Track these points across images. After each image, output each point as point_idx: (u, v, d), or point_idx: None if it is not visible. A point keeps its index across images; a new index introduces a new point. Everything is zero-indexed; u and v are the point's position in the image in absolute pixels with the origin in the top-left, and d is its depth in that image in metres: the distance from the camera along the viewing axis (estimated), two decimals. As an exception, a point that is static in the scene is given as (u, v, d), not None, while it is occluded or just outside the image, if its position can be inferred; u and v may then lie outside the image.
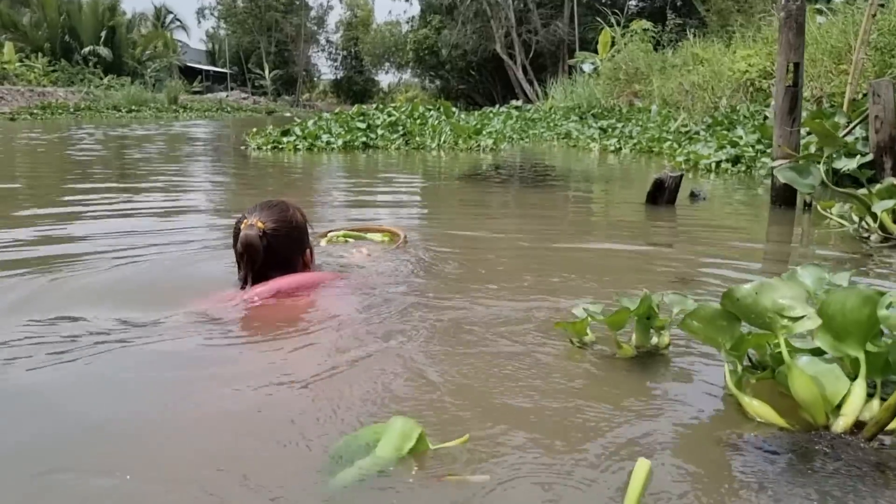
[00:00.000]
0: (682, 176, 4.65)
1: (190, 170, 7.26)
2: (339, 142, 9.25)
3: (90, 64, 38.68)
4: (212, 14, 55.72)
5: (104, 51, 39.98)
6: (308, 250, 2.34)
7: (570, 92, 16.87)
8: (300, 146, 9.24)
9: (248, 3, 53.48)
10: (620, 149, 9.51)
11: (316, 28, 59.35)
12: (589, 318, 1.65)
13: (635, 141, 9.54)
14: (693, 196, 4.86)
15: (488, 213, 4.48)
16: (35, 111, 26.11)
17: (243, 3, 53.80)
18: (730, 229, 3.83)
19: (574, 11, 29.03)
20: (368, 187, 5.88)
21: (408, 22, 43.08)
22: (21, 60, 34.98)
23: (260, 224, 2.16)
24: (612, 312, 1.58)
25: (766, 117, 8.97)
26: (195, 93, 44.07)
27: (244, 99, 47.76)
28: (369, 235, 3.14)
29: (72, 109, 27.82)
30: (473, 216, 4.27)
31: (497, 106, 18.90)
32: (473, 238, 3.46)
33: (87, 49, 39.55)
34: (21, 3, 43.86)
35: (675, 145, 8.41)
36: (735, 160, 6.88)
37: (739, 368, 1.34)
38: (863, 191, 3.23)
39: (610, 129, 10.87)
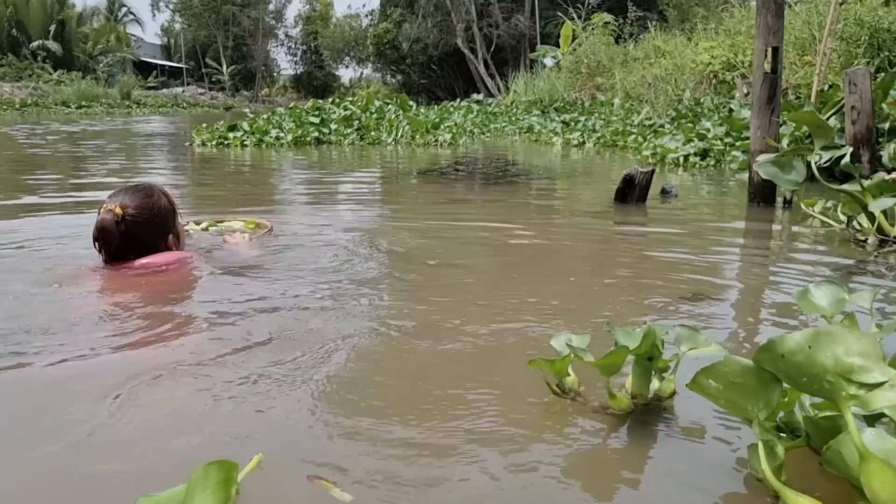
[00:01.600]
0: (653, 171, 4.30)
1: (116, 166, 6.71)
2: (290, 137, 8.77)
3: (39, 59, 37.34)
4: (167, 7, 54.25)
5: (54, 45, 38.61)
6: (171, 235, 2.39)
7: (531, 86, 16.57)
8: (247, 142, 8.74)
9: (204, -4, 52.25)
10: (584, 143, 9.22)
11: (274, 22, 58.33)
12: (571, 356, 1.25)
13: (599, 135, 9.25)
14: (664, 193, 4.53)
15: (439, 210, 4.08)
16: (-24, 107, 24.96)
17: (200, -4, 52.54)
18: (709, 231, 3.50)
19: (535, 5, 28.79)
20: (313, 183, 5.45)
21: (367, 15, 42.45)
22: (-37, 54, 33.54)
23: (119, 210, 2.25)
24: (606, 353, 1.18)
25: (731, 109, 8.76)
26: (150, 88, 42.87)
27: (201, 94, 46.64)
28: (233, 224, 3.16)
29: (17, 105, 26.66)
30: (414, 212, 3.88)
31: (458, 100, 18.53)
32: (415, 230, 3.09)
33: (35, 43, 38.15)
34: (-36, -3, 42.17)
35: (640, 139, 8.13)
36: (703, 154, 6.61)
37: (780, 451, 0.94)
38: (852, 186, 2.91)
39: (573, 123, 10.58)
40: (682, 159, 6.66)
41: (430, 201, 4.66)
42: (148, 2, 57.68)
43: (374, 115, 10.20)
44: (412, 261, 2.72)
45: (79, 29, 43.10)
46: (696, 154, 6.64)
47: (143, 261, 2.27)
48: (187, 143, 9.09)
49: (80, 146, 9.34)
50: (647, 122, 9.15)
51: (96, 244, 2.27)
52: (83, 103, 29.80)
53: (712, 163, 6.48)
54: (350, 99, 11.87)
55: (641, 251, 2.90)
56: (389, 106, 11.11)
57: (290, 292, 2.09)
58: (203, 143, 8.72)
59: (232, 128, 9.12)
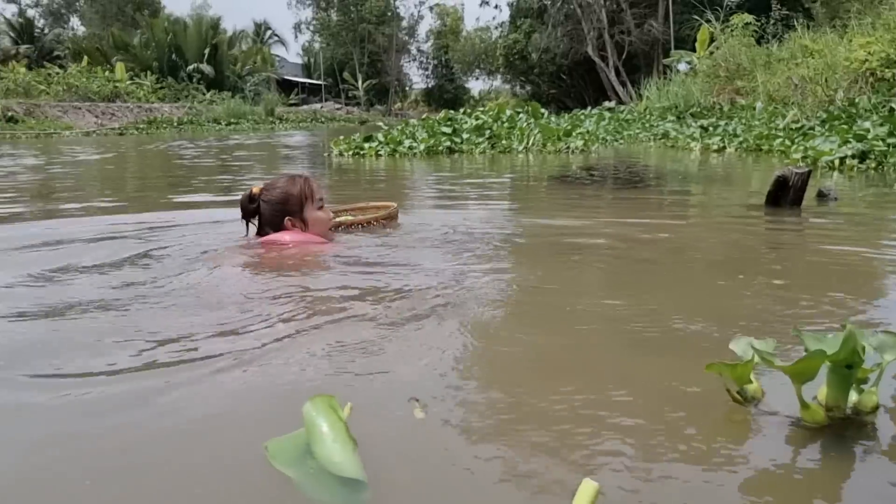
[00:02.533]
0: (809, 172, 3.98)
1: (260, 173, 7.18)
2: (422, 146, 8.98)
3: (194, 80, 40.50)
4: (308, 28, 57.35)
5: (207, 68, 41.79)
6: (290, 218, 2.71)
7: (665, 92, 16.02)
8: (382, 152, 9.05)
9: (341, 16, 54.75)
10: (724, 147, 8.78)
11: (407, 38, 60.10)
12: (755, 360, 1.15)
13: (741, 139, 8.78)
14: (822, 196, 4.20)
15: (570, 212, 4.01)
16: (141, 126, 27.49)
17: (337, 16, 55.11)
18: (877, 236, 3.21)
19: (669, 10, 27.87)
20: (444, 185, 5.55)
21: (497, 28, 42.75)
22: (131, 79, 36.98)
23: (256, 189, 2.77)
24: (799, 358, 1.07)
25: (892, 109, 8.06)
26: (291, 105, 45.41)
27: (338, 109, 48.82)
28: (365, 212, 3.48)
29: (175, 123, 29.13)
30: (546, 210, 3.83)
31: (589, 109, 18.24)
32: (556, 228, 3.05)
33: (191, 66, 41.46)
34: (132, 26, 46.64)
35: (788, 142, 7.63)
36: (862, 156, 6.11)
37: None
38: None
39: (711, 128, 10.11)
40: (837, 162, 6.19)
41: (562, 202, 4.61)
42: (291, 24, 61.10)
43: (506, 124, 10.25)
44: (544, 254, 2.69)
45: (229, 52, 46.39)
46: (853, 156, 6.14)
47: (269, 237, 2.70)
48: (325, 154, 9.54)
49: (232, 156, 10.07)
50: (794, 125, 8.59)
51: (241, 215, 2.80)
52: (232, 120, 32.03)
53: (873, 166, 5.97)
54: (481, 109, 12.01)
55: (800, 254, 2.72)
56: (521, 115, 11.13)
57: (407, 279, 2.23)
58: (340, 154, 9.13)
59: (367, 139, 9.48)
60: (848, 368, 1.09)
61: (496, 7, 36.70)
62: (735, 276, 2.35)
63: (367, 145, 9.21)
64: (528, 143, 9.23)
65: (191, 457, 1.10)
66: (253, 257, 2.55)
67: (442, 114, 11.25)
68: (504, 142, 9.38)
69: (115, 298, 2.01)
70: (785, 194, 3.90)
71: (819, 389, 1.17)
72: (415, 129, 9.94)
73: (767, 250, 2.89)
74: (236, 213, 2.86)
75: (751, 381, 1.21)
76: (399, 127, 10.22)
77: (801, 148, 6.86)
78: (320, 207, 2.81)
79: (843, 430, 1.12)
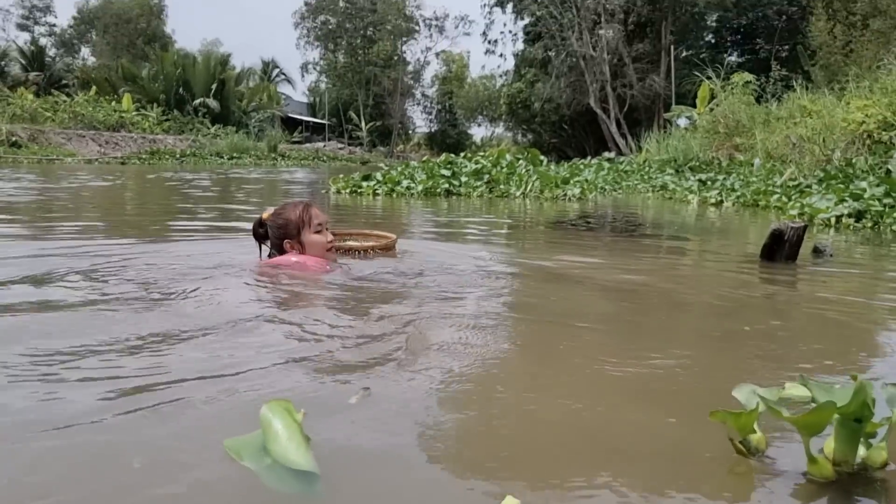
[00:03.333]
0: (805, 227, 3.95)
1: (257, 206, 7.16)
2: (420, 187, 8.99)
3: (199, 114, 40.92)
4: (315, 68, 58.23)
5: (213, 102, 42.28)
6: (289, 241, 2.96)
7: (664, 145, 16.17)
8: (379, 191, 9.05)
9: (349, 58, 55.65)
10: (722, 201, 8.80)
11: (412, 82, 60.96)
12: (759, 408, 1.10)
13: (739, 193, 8.80)
14: (817, 252, 4.17)
15: (565, 255, 3.97)
16: (144, 156, 27.64)
17: (344, 58, 56.00)
18: (872, 294, 3.16)
19: (671, 66, 28.39)
20: (441, 224, 5.51)
21: (502, 76, 43.46)
22: (137, 110, 37.34)
23: (265, 215, 3.03)
24: (808, 410, 1.03)
25: (889, 170, 8.10)
26: (294, 142, 45.77)
27: (340, 149, 49.26)
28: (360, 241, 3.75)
29: (178, 155, 29.29)
30: (539, 252, 3.79)
31: (589, 159, 18.39)
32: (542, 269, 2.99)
33: (198, 100, 41.94)
34: (142, 58, 47.34)
35: (785, 198, 7.65)
36: (858, 215, 6.10)
37: None
38: None
39: (710, 182, 10.16)
40: (833, 220, 6.17)
41: (556, 247, 4.56)
42: (298, 64, 62.15)
43: (505, 170, 10.28)
44: (537, 294, 2.63)
45: (236, 88, 47.02)
46: (849, 215, 6.13)
47: (274, 259, 2.97)
48: (323, 191, 9.55)
49: (231, 189, 10.07)
50: (791, 183, 8.62)
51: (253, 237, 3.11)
52: (234, 155, 32.24)
53: (869, 225, 5.95)
54: (481, 154, 12.08)
55: (796, 307, 2.66)
56: (520, 161, 11.18)
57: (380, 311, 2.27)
58: (338, 191, 9.13)
59: (366, 177, 9.50)
60: (857, 422, 1.04)
61: (501, 56, 37.42)
62: (731, 325, 2.29)
63: (364, 184, 9.22)
64: (525, 188, 9.24)
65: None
66: (251, 276, 2.82)
67: (442, 157, 11.30)
68: (502, 186, 9.39)
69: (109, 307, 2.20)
70: (780, 248, 3.86)
71: (826, 443, 1.11)
72: (414, 170, 9.96)
73: (763, 302, 2.83)
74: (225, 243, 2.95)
75: (754, 431, 1.15)
76: (399, 167, 10.25)
77: (798, 205, 6.86)
78: (318, 231, 3.00)
79: (850, 485, 1.06)
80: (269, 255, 3.06)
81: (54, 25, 53.43)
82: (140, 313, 2.16)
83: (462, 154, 11.95)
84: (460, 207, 7.87)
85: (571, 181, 9.88)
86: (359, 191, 9.08)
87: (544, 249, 4.61)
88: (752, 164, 11.58)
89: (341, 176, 10.25)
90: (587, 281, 3.26)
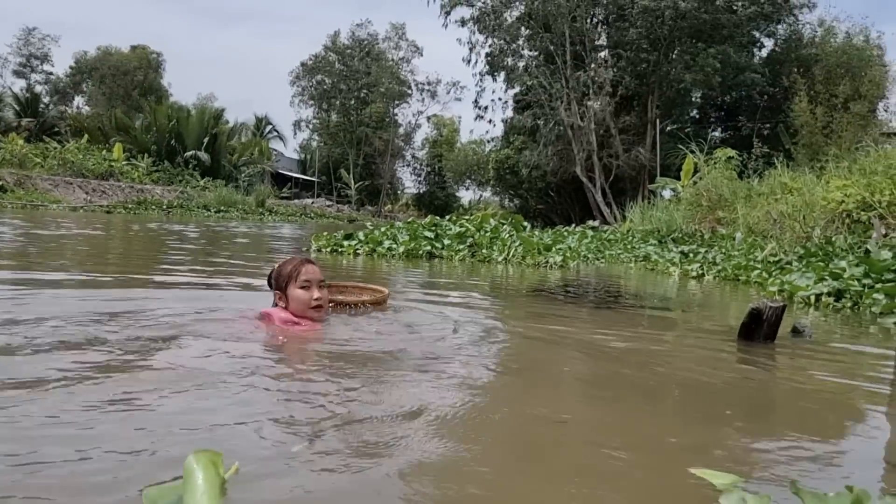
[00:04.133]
0: (784, 307, 3.88)
1: (238, 261, 7.08)
2: (402, 249, 8.94)
3: (190, 166, 41.10)
4: (307, 126, 59.03)
5: (204, 155, 42.57)
6: (279, 293, 3.18)
7: (648, 215, 16.34)
8: (360, 250, 8.99)
9: (341, 118, 56.56)
10: (703, 275, 8.80)
11: (403, 144, 61.87)
12: None
13: (720, 267, 8.82)
14: (796, 332, 4.10)
15: (543, 323, 3.88)
16: (130, 205, 27.55)
17: (337, 118, 56.88)
18: (852, 378, 3.08)
19: (656, 139, 29.01)
20: (422, 286, 5.42)
21: (490, 141, 44.17)
22: (128, 160, 37.43)
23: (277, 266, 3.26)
24: None
25: (868, 250, 8.15)
26: (283, 198, 45.95)
27: (328, 206, 49.50)
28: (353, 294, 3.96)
29: (164, 206, 29.22)
30: (517, 319, 3.70)
31: (574, 226, 18.52)
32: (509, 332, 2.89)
33: (189, 153, 42.21)
34: (136, 109, 47.79)
35: (766, 274, 7.65)
36: (838, 294, 6.08)
37: None
38: None
39: (692, 255, 10.19)
40: (813, 298, 6.15)
41: (535, 316, 4.48)
42: (291, 121, 63.01)
43: (489, 234, 10.28)
44: (512, 363, 2.54)
45: (228, 142, 47.48)
46: (829, 294, 6.12)
47: (265, 310, 3.17)
48: (304, 249, 9.49)
49: (214, 243, 9.98)
50: (772, 258, 8.65)
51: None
52: (221, 208, 32.22)
53: (849, 304, 5.93)
54: (466, 217, 12.10)
55: (774, 393, 2.57)
56: (504, 226, 11.20)
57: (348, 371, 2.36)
58: (319, 249, 9.07)
59: (348, 236, 9.45)
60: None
61: (490, 122, 38.13)
62: (710, 409, 2.20)
63: (346, 243, 9.17)
64: (508, 254, 9.22)
65: None
66: (221, 327, 3.01)
67: (428, 219, 11.31)
68: (484, 251, 9.36)
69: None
70: (759, 328, 3.79)
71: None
72: (398, 230, 9.94)
73: (742, 384, 2.74)
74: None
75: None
76: (382, 228, 10.23)
77: (778, 281, 6.85)
78: (304, 287, 3.15)
79: None
80: (274, 304, 3.26)
81: (51, 73, 54.02)
82: (99, 361, 2.27)
83: (448, 216, 11.97)
84: (442, 270, 7.81)
85: (553, 248, 9.88)
86: (340, 250, 9.02)
87: (524, 317, 4.52)
88: (734, 238, 11.67)
89: (325, 234, 10.21)
90: (562, 355, 3.17)
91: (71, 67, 54.50)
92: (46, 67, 53.58)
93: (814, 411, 2.32)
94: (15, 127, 41.76)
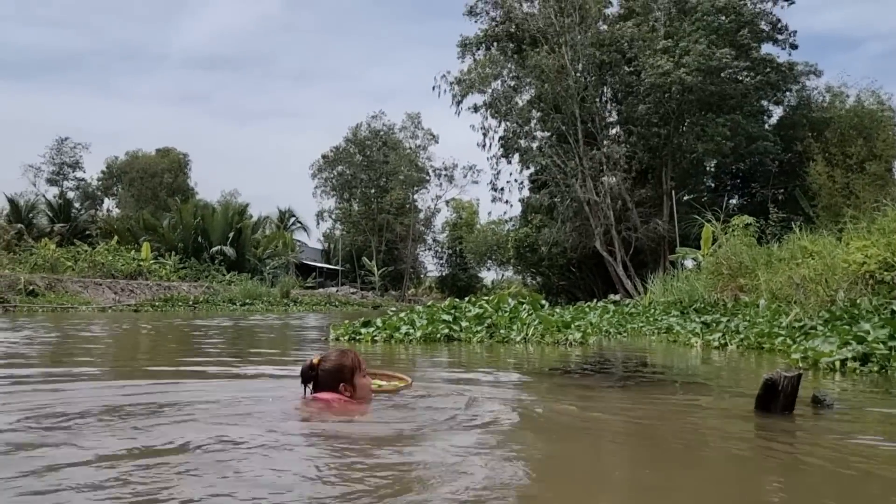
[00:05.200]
0: (799, 376, 3.79)
1: (263, 351, 7.14)
2: (419, 333, 8.94)
3: (216, 262, 41.80)
4: (330, 216, 60.17)
5: (229, 250, 43.37)
6: (343, 383, 3.41)
7: (669, 286, 16.22)
8: (378, 337, 9.01)
9: (362, 206, 57.68)
10: (726, 344, 8.65)
11: (424, 228, 62.62)
12: None
13: (742, 336, 8.67)
14: (817, 402, 3.97)
15: (559, 404, 3.83)
16: (157, 303, 27.98)
17: (359, 207, 58.03)
18: (876, 453, 2.96)
19: (673, 210, 29.10)
20: (442, 367, 5.40)
21: (508, 221, 44.56)
22: (156, 258, 38.26)
23: (316, 360, 3.48)
24: None
25: (893, 311, 8.00)
26: (308, 288, 46.30)
27: (353, 293, 49.74)
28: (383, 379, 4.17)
29: (191, 302, 29.62)
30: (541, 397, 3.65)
31: (595, 301, 18.42)
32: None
33: (215, 248, 43.05)
34: (163, 209, 49.24)
35: (790, 341, 7.51)
36: (864, 358, 5.94)
37: None
38: None
39: (714, 324, 10.05)
40: (838, 364, 6.01)
41: (555, 397, 4.43)
42: (314, 211, 64.36)
43: (507, 314, 10.25)
44: (539, 451, 2.51)
45: (252, 236, 48.40)
46: (854, 359, 5.97)
47: (319, 395, 3.41)
48: (323, 338, 9.54)
49: (239, 336, 10.09)
50: (796, 324, 8.50)
51: (301, 379, 3.47)
52: (247, 301, 32.54)
53: (875, 369, 5.78)
54: (485, 298, 12.11)
55: (797, 470, 2.50)
56: (524, 305, 11.17)
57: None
58: (337, 338, 9.10)
59: (365, 324, 9.49)
60: None
61: (507, 203, 38.67)
62: (737, 491, 2.15)
63: (363, 330, 9.20)
64: (527, 333, 9.17)
65: None
66: (305, 411, 3.34)
67: (447, 301, 11.35)
68: (503, 331, 9.32)
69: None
70: (775, 399, 3.70)
71: None
72: (417, 314, 9.96)
73: (764, 460, 2.68)
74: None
75: None
76: (401, 313, 10.27)
77: (801, 348, 6.71)
78: (364, 375, 3.51)
79: None
80: (314, 392, 3.47)
81: (83, 180, 56.14)
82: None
83: (467, 298, 11.99)
84: (462, 354, 7.78)
85: (572, 325, 9.81)
86: (357, 337, 9.05)
87: (545, 394, 4.48)
88: (758, 305, 11.50)
89: (346, 321, 10.28)
90: (585, 435, 3.13)
91: (102, 172, 56.65)
92: (78, 174, 55.76)
93: (853, 482, 2.25)
94: (48, 232, 43.09)
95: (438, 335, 9.04)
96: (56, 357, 6.94)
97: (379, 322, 9.50)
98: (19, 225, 40.18)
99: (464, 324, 9.49)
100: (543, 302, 11.59)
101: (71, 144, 54.96)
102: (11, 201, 46.40)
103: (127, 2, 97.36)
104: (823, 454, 2.79)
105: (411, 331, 9.03)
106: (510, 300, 11.15)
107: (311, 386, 3.46)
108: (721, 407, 4.27)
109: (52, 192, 53.63)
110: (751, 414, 3.67)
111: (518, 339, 9.02)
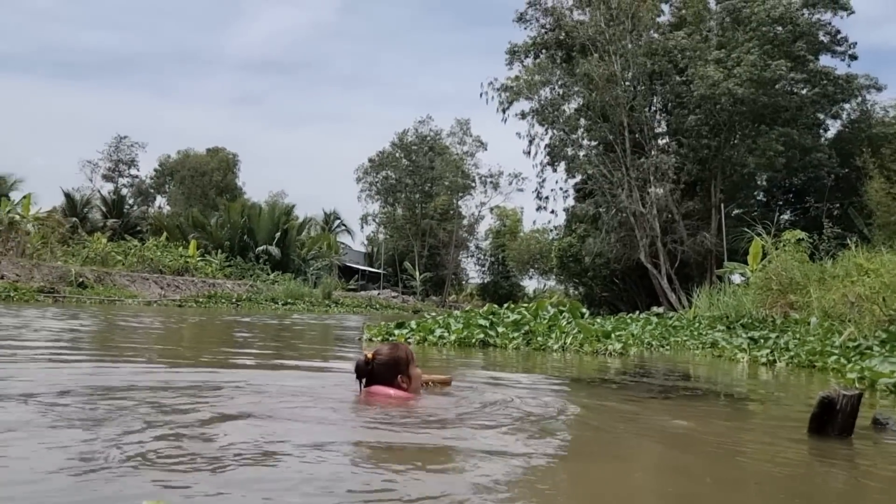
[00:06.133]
0: (860, 395, 3.47)
1: (300, 348, 7.09)
2: (453, 337, 8.78)
3: (261, 261, 42.35)
4: (374, 220, 60.52)
5: (274, 250, 43.91)
6: (401, 375, 3.57)
7: (715, 301, 15.73)
8: (411, 339, 8.88)
9: (406, 211, 57.86)
10: (774, 361, 8.26)
11: (467, 235, 62.46)
12: None
13: (792, 353, 8.27)
14: (878, 424, 3.65)
15: (596, 422, 3.62)
16: (201, 299, 28.45)
17: (403, 211, 58.23)
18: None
19: (722, 224, 28.35)
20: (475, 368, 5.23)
21: (553, 230, 44.06)
22: (202, 255, 38.95)
23: (370, 355, 3.60)
24: None
25: (957, 333, 7.54)
26: (350, 290, 46.55)
27: (394, 297, 49.86)
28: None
29: (234, 300, 30.04)
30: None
31: (638, 313, 18.00)
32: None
33: (260, 248, 43.64)
34: (212, 207, 50.19)
35: (843, 360, 7.12)
36: (925, 381, 5.56)
37: None
38: None
39: (762, 340, 9.64)
40: (896, 386, 5.64)
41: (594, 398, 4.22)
42: (359, 215, 64.87)
43: (546, 322, 10.02)
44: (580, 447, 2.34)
45: (297, 237, 48.95)
46: (915, 381, 5.60)
47: (373, 388, 3.55)
48: (357, 338, 9.47)
49: (279, 333, 10.09)
50: (850, 343, 8.08)
51: (356, 374, 3.60)
52: (289, 300, 32.85)
53: (938, 392, 5.40)
54: (524, 305, 11.88)
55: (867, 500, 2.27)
56: (563, 313, 10.91)
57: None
58: (370, 339, 9.02)
59: (399, 325, 9.38)
60: None
61: (552, 212, 38.09)
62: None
63: (397, 331, 9.09)
64: (565, 341, 8.92)
65: None
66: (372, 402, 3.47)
67: (486, 307, 11.18)
68: (540, 339, 9.10)
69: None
70: (832, 420, 3.38)
71: None
72: (454, 318, 9.81)
73: (828, 488, 2.44)
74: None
75: None
76: (439, 317, 10.15)
77: (858, 367, 6.34)
78: (416, 367, 3.68)
79: None
80: (367, 385, 3.61)
81: (136, 177, 57.64)
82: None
83: (506, 305, 11.77)
84: (496, 360, 7.60)
85: (613, 335, 9.52)
86: (390, 338, 8.94)
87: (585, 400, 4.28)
88: (809, 323, 11.03)
89: (382, 323, 10.19)
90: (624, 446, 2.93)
91: (155, 170, 58.10)
92: (133, 171, 57.27)
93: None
94: (101, 227, 44.33)
95: (473, 340, 8.86)
96: (103, 343, 7.00)
97: (413, 324, 9.39)
98: (74, 219, 41.37)
99: (500, 329, 9.29)
100: (584, 310, 11.30)
101: (128, 143, 56.58)
102: (67, 196, 47.87)
103: (185, 6, 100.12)
104: (888, 480, 2.54)
105: (445, 334, 8.87)
106: (549, 307, 10.90)
107: (363, 381, 3.59)
108: (768, 425, 4.00)
109: (107, 188, 55.23)
110: (803, 435, 3.40)
111: (556, 347, 8.78)
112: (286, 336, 10.49)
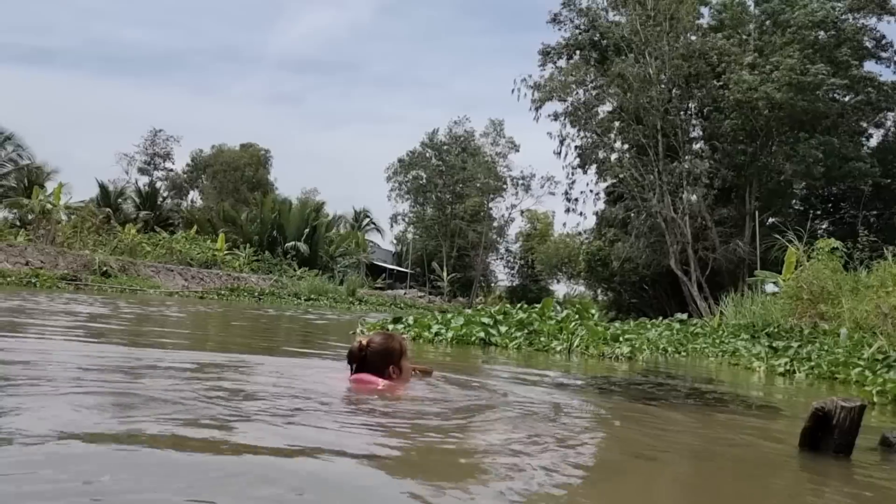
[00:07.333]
0: (862, 408, 2.95)
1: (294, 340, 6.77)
2: (450, 334, 8.36)
3: (288, 256, 42.35)
4: (403, 220, 60.28)
5: (303, 246, 43.91)
6: (393, 366, 3.53)
7: (741, 309, 15.06)
8: (406, 334, 8.50)
9: (436, 212, 57.53)
10: (793, 371, 7.67)
11: (497, 237, 61.82)
12: None
13: (813, 363, 7.68)
14: (887, 444, 3.15)
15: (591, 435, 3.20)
16: (223, 292, 28.43)
17: (433, 211, 57.92)
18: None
19: (756, 231, 27.43)
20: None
21: (581, 234, 43.30)
22: (230, 249, 39.08)
23: (364, 342, 3.59)
24: None
25: None
26: (377, 288, 46.34)
27: (420, 297, 49.53)
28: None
29: (256, 294, 29.93)
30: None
31: (660, 319, 17.39)
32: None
33: (289, 244, 43.68)
34: (243, 202, 50.51)
35: (868, 373, 6.53)
36: (953, 398, 5.00)
37: None
38: None
39: (782, 349, 9.04)
40: (921, 402, 5.08)
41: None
42: (388, 214, 64.82)
43: (555, 323, 9.54)
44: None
45: (326, 234, 48.92)
46: (943, 398, 5.04)
47: (361, 376, 3.50)
48: (351, 332, 9.13)
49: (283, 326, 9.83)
50: (879, 356, 7.47)
51: (347, 360, 3.61)
52: (312, 296, 32.65)
53: (967, 411, 4.84)
54: (536, 306, 11.41)
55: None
56: (575, 314, 10.42)
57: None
58: (363, 333, 8.66)
59: (396, 320, 9.02)
60: None
61: (581, 214, 37.30)
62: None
63: (391, 326, 8.71)
64: (570, 343, 8.44)
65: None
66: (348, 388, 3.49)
67: (497, 307, 10.77)
68: (543, 339, 8.63)
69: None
70: (827, 435, 2.89)
71: None
72: (453, 316, 9.39)
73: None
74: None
75: None
76: (439, 314, 9.75)
77: (880, 380, 5.78)
78: (408, 359, 3.67)
79: None
80: (356, 372, 3.57)
81: (171, 170, 58.32)
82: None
83: (518, 305, 11.32)
84: (491, 356, 7.17)
85: (621, 339, 9.01)
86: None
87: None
88: (838, 334, 10.38)
89: (382, 318, 9.83)
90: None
91: (188, 164, 58.73)
92: (168, 165, 57.98)
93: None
94: (133, 219, 44.84)
95: (473, 338, 8.44)
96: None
97: (410, 319, 9.00)
98: (107, 209, 41.89)
99: (502, 328, 8.84)
100: (593, 311, 10.78)
101: (164, 136, 57.26)
102: (102, 186, 48.54)
103: (227, 6, 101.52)
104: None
105: (443, 331, 8.46)
106: (556, 306, 10.41)
107: (353, 367, 3.56)
108: (759, 439, 3.53)
109: (142, 181, 55.95)
110: (794, 450, 2.93)
111: (559, 348, 8.31)
112: (285, 329, 10.20)
